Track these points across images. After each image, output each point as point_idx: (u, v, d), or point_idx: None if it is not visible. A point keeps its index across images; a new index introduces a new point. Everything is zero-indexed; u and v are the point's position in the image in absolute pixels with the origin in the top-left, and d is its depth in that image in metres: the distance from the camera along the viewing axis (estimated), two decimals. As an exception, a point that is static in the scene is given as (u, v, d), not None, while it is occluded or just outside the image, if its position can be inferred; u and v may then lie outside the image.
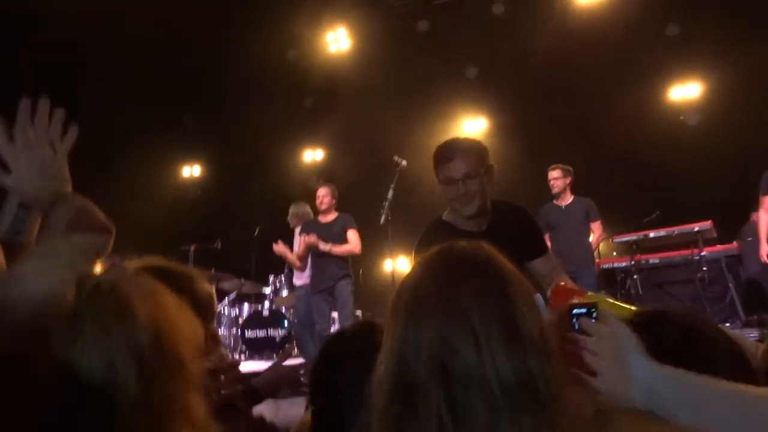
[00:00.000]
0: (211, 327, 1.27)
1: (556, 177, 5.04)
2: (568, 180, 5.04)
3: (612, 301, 1.38)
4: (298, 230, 5.45)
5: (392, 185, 4.00)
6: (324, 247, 4.86)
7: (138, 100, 6.88)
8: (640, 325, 0.90)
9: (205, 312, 1.21)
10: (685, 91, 6.28)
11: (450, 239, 2.28)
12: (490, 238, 2.03)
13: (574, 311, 1.07)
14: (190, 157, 7.99)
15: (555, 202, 5.06)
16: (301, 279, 5.36)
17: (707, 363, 0.81)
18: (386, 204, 3.91)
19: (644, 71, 6.18)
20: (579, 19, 6.25)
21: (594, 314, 1.04)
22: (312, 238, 4.87)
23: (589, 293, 1.58)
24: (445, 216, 2.29)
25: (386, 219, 3.94)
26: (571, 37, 6.12)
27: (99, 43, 6.43)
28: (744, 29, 5.45)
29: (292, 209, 5.57)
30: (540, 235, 2.41)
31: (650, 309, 0.98)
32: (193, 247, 6.11)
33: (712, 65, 5.92)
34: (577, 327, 1.05)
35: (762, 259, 4.36)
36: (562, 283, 1.97)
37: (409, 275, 0.82)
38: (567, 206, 5.02)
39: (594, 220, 5.01)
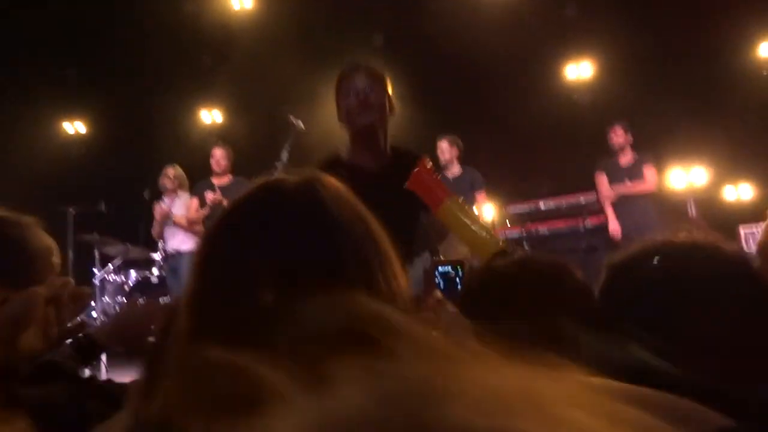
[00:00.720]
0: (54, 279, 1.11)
1: (443, 148, 5.08)
2: (455, 151, 5.09)
3: (470, 225, 1.34)
4: (184, 195, 5.21)
5: (287, 147, 3.86)
6: (225, 203, 4.69)
7: (21, 51, 6.27)
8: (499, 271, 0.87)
9: (42, 264, 1.09)
10: (579, 71, 6.53)
11: (346, 177, 2.02)
12: (387, 178, 1.94)
13: (439, 269, 1.03)
14: (75, 113, 7.37)
15: (444, 172, 5.10)
16: (186, 244, 5.12)
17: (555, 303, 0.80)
18: (279, 164, 3.77)
19: (542, 49, 6.35)
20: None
21: (459, 274, 1.01)
22: (219, 196, 4.71)
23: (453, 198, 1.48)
24: (343, 154, 2.12)
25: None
26: (475, 10, 6.17)
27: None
28: (636, 11, 5.72)
29: (172, 171, 5.27)
30: None
31: (513, 259, 0.93)
32: (73, 209, 5.67)
33: (605, 46, 6.18)
34: (442, 285, 1.02)
35: (612, 236, 4.79)
36: (429, 166, 1.76)
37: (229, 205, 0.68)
38: (455, 177, 5.08)
39: (478, 190, 5.09)
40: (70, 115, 7.35)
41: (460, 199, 1.63)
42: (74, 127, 7.40)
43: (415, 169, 1.54)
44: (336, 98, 2.11)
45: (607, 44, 6.13)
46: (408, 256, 1.98)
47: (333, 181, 0.65)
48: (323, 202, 0.60)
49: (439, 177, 1.54)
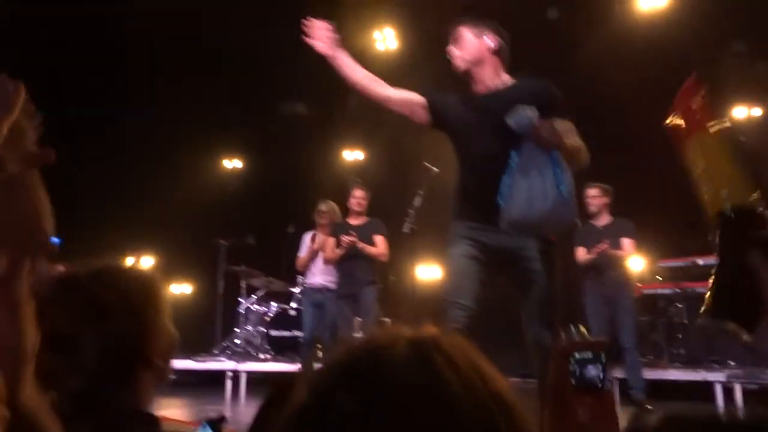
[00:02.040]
0: None
1: (593, 195, 4.78)
2: (606, 199, 4.78)
3: None
4: (320, 232, 5.30)
5: (420, 192, 3.86)
6: (359, 244, 4.78)
7: (190, 95, 6.99)
8: None
9: None
10: (737, 113, 5.87)
11: (457, 96, 2.62)
12: (495, 98, 2.49)
13: (576, 356, 0.86)
14: (233, 150, 8.04)
15: (591, 221, 4.79)
16: (314, 278, 5.23)
17: None
18: (412, 212, 3.78)
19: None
20: (635, 28, 5.94)
21: (602, 361, 0.84)
22: (352, 238, 4.79)
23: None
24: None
25: (410, 228, 3.80)
26: (622, 47, 5.82)
27: (148, 42, 6.52)
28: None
29: (326, 206, 5.39)
30: (555, 103, 2.45)
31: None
32: (225, 242, 6.13)
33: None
34: (577, 376, 0.85)
35: None
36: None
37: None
38: (604, 227, 4.75)
39: (629, 238, 4.69)
40: (230, 151, 8.03)
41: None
42: (232, 163, 8.07)
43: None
44: None
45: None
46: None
47: (451, 342, 0.53)
48: (441, 381, 0.48)
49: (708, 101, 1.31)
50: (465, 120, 2.54)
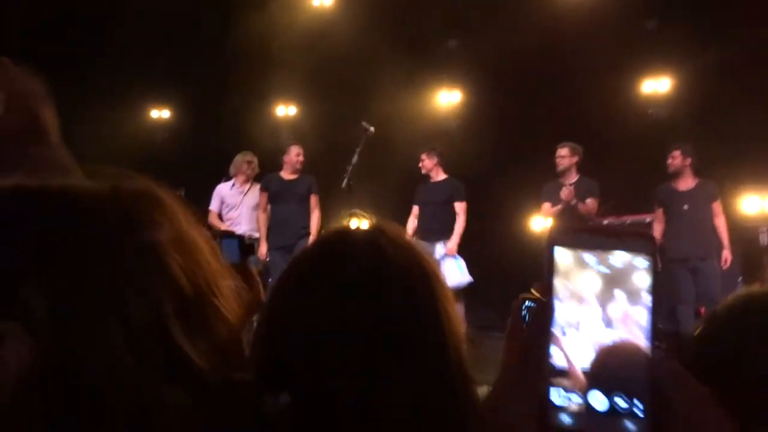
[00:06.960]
0: None
1: (563, 155, 5.01)
2: (575, 159, 5.02)
3: None
4: (255, 185, 5.35)
5: (358, 150, 4.02)
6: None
7: (111, 42, 6.70)
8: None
9: None
10: (656, 85, 6.38)
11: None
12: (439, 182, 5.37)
13: (526, 304, 1.10)
14: (160, 100, 7.81)
15: (560, 179, 5.04)
16: (239, 228, 5.20)
17: None
18: (350, 168, 3.94)
19: (620, 62, 6.24)
20: (564, 3, 6.25)
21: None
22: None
23: None
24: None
25: (348, 184, 3.96)
26: (553, 20, 6.12)
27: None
28: (715, 28, 5.54)
29: (252, 158, 5.41)
30: None
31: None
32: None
33: (683, 61, 6.01)
34: (527, 320, 1.09)
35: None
36: None
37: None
38: (574, 183, 4.97)
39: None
40: (157, 102, 7.79)
41: None
42: (160, 113, 7.85)
43: None
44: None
45: (684, 59, 5.96)
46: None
47: (395, 231, 0.71)
48: (386, 257, 0.66)
49: None
50: None
